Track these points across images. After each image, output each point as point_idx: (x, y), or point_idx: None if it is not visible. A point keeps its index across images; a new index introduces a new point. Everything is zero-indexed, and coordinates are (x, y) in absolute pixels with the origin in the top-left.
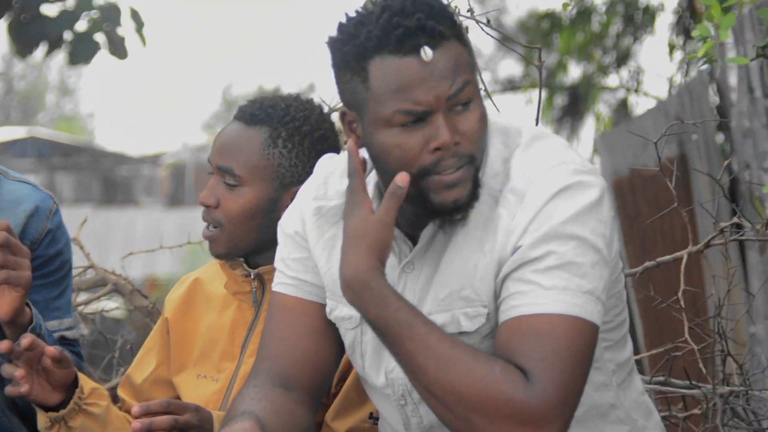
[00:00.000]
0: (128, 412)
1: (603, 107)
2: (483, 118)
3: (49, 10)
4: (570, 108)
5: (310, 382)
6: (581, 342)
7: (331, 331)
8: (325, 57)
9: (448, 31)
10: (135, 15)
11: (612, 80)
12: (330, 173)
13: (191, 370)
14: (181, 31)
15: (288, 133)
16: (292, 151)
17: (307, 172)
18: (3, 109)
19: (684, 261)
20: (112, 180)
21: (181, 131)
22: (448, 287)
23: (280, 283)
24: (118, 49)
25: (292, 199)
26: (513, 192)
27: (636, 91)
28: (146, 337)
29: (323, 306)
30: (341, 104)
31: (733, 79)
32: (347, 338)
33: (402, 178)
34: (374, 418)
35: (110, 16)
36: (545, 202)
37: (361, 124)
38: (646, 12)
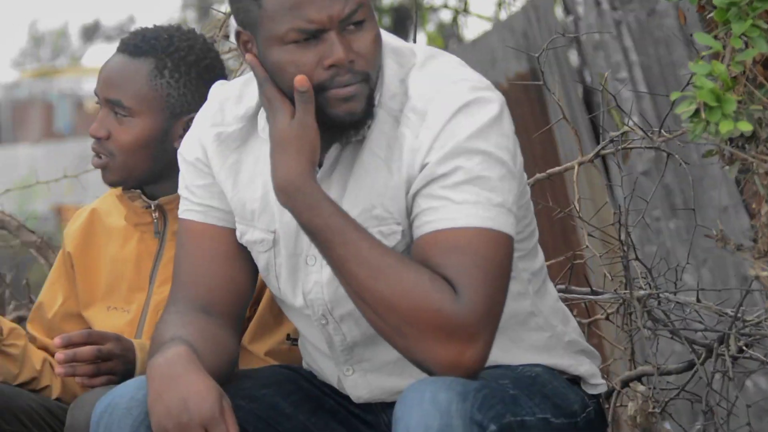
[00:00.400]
0: (43, 348)
1: (433, 28)
2: (377, 39)
3: None
4: (397, 29)
5: (229, 306)
6: (499, 254)
7: (244, 254)
8: None
9: None
10: None
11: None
12: (225, 99)
13: (100, 302)
14: None
15: (174, 64)
16: (180, 81)
17: (197, 101)
18: None
19: (576, 171)
20: None
21: None
22: (358, 207)
23: (186, 210)
24: None
25: (184, 129)
26: (414, 111)
27: (465, 11)
28: (32, 272)
29: (232, 231)
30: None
31: None
32: (260, 261)
33: (300, 81)
34: (292, 339)
35: None
36: (447, 120)
37: (255, 43)
38: None
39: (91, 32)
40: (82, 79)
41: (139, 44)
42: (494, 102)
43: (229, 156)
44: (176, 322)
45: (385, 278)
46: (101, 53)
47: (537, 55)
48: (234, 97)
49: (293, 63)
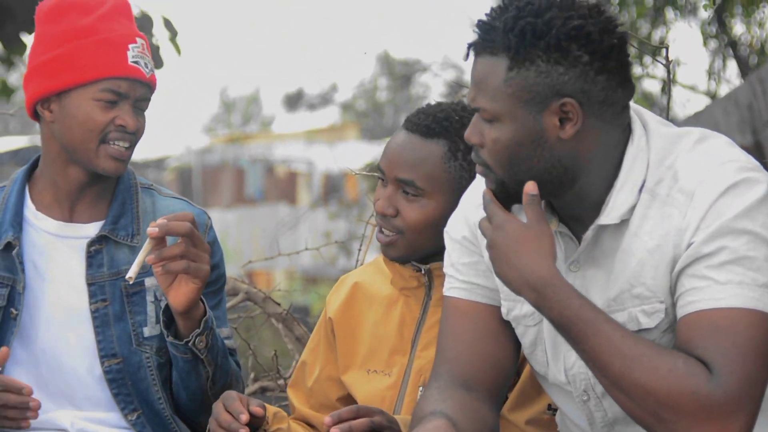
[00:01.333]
0: (301, 419)
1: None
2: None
3: None
4: None
5: (490, 382)
6: (761, 334)
7: (507, 332)
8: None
9: None
10: (168, 24)
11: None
12: None
13: (360, 366)
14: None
15: (466, 146)
16: (473, 164)
17: None
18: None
19: None
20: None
21: (182, 134)
22: (616, 287)
23: (452, 288)
24: (153, 58)
25: None
26: (682, 192)
27: (673, 81)
28: (279, 342)
29: (496, 308)
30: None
31: None
32: (528, 336)
33: (530, 187)
34: (553, 409)
35: (143, 26)
36: (714, 200)
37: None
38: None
39: (294, 100)
40: (272, 144)
41: (432, 126)
42: (762, 183)
43: None
44: (437, 397)
45: (639, 366)
46: (294, 120)
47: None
48: None
49: None
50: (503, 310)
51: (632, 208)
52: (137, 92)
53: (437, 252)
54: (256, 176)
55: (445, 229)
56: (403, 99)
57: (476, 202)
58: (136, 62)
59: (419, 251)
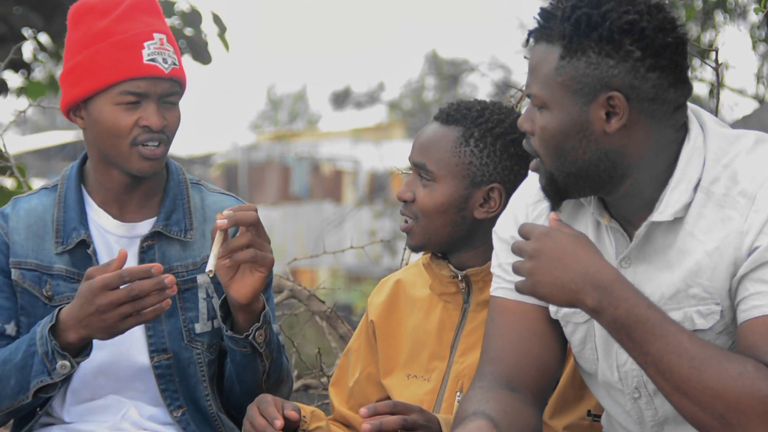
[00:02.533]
0: (340, 419)
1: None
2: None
3: None
4: None
5: (534, 383)
6: None
7: (554, 333)
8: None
9: None
10: (217, 19)
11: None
12: None
13: (400, 370)
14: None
15: (480, 133)
16: (483, 151)
17: (498, 172)
18: (49, 113)
19: None
20: None
21: (229, 131)
22: (673, 286)
23: (499, 288)
24: (201, 54)
25: (484, 198)
26: (743, 194)
27: (720, 84)
28: (322, 339)
29: (543, 309)
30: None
31: None
32: (577, 334)
33: (553, 218)
34: (593, 415)
35: (192, 21)
36: None
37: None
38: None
39: (341, 98)
40: (318, 142)
41: (452, 113)
42: None
43: None
44: (480, 398)
45: (708, 368)
46: (340, 119)
47: None
48: None
49: None
50: (552, 309)
51: (686, 206)
52: (159, 89)
53: (455, 246)
54: (301, 174)
55: (494, 229)
56: (449, 98)
57: (526, 202)
58: (152, 59)
59: (434, 240)
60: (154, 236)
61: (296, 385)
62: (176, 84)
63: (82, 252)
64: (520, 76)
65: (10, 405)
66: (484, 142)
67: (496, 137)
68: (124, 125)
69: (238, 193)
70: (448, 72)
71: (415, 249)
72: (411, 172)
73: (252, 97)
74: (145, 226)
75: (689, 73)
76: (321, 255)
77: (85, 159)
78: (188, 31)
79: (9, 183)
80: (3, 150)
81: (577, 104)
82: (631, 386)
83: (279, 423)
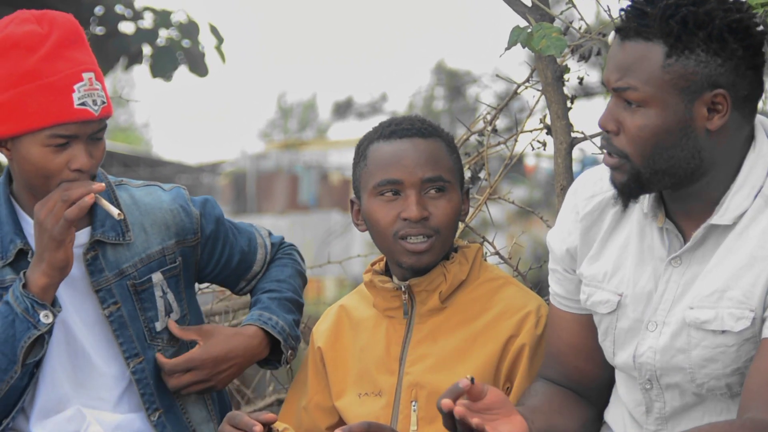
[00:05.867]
0: None
1: None
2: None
3: (127, 28)
4: None
5: (591, 379)
6: None
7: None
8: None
9: None
10: (214, 31)
11: None
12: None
13: (351, 391)
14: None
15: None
16: (467, 157)
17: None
18: None
19: None
20: None
21: (238, 139)
22: (712, 285)
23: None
24: (197, 66)
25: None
26: None
27: None
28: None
29: (572, 314)
30: None
31: None
32: (602, 325)
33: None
34: None
35: (189, 33)
36: None
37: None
38: None
39: (343, 109)
40: (327, 152)
41: (426, 127)
42: None
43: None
44: (541, 390)
45: None
46: (350, 128)
47: None
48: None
49: None
50: (582, 297)
51: (745, 212)
52: (88, 130)
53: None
54: (310, 183)
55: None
56: (459, 108)
57: (582, 196)
58: (83, 103)
59: (444, 251)
60: (95, 246)
61: (269, 400)
62: (103, 122)
63: (23, 262)
64: (522, 88)
65: None
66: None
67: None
68: (53, 167)
69: (246, 201)
70: (451, 84)
71: (429, 267)
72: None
73: (262, 106)
74: (83, 236)
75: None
76: (326, 265)
77: (10, 175)
78: (185, 43)
79: None
80: None
81: (682, 102)
82: (645, 377)
83: (258, 428)
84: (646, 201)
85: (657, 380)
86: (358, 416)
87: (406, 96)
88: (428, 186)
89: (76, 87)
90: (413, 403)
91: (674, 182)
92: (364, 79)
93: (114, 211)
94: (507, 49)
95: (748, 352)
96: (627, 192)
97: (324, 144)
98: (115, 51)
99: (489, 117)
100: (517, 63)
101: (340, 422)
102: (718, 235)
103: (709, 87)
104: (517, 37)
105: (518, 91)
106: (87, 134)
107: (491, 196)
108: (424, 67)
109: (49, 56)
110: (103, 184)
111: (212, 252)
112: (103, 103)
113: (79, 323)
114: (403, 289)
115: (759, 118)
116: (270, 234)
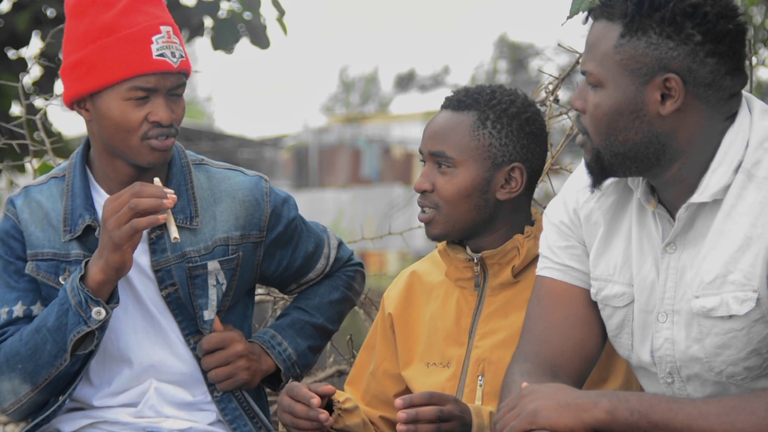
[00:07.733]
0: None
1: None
2: None
3: (188, 0)
4: None
5: (576, 369)
6: None
7: (596, 317)
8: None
9: None
10: (276, 3)
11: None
12: None
13: (419, 360)
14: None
15: (496, 115)
16: (501, 131)
17: (518, 151)
18: None
19: None
20: (234, 163)
21: (300, 113)
22: (713, 271)
23: (546, 268)
24: (259, 38)
25: (505, 178)
26: None
27: None
28: (358, 325)
29: (586, 291)
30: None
31: None
32: (615, 318)
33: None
34: None
35: (250, 5)
36: None
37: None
38: None
39: (405, 81)
40: (390, 125)
41: (463, 99)
42: None
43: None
44: (522, 381)
45: (737, 418)
46: (411, 101)
47: None
48: None
49: None
50: (592, 291)
51: (726, 188)
52: (168, 83)
53: (476, 231)
54: (372, 157)
55: (544, 212)
56: (521, 81)
57: (577, 187)
58: (161, 54)
59: (457, 227)
60: (162, 225)
61: (330, 371)
62: (183, 76)
63: (90, 237)
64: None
65: (48, 375)
66: (501, 123)
67: (512, 117)
68: (133, 121)
69: (308, 176)
70: (514, 57)
71: (437, 238)
72: (424, 162)
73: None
74: None
75: (756, 60)
76: (386, 236)
77: (88, 145)
78: (247, 15)
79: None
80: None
81: (633, 84)
82: (665, 371)
83: (315, 401)
84: (640, 187)
85: (678, 372)
86: (424, 386)
87: (469, 69)
88: (435, 159)
89: (154, 39)
90: (480, 377)
91: (640, 168)
92: (426, 52)
93: (173, 233)
94: (569, 17)
95: (759, 332)
96: (591, 172)
97: (386, 118)
98: (176, 23)
99: (551, 87)
100: (580, 35)
101: (407, 390)
102: (705, 215)
103: (661, 71)
104: (579, 5)
105: (580, 61)
106: (167, 88)
107: (553, 167)
108: (486, 39)
109: (126, 10)
110: (176, 197)
111: (274, 254)
112: (182, 56)
113: (148, 302)
114: (475, 260)
115: (747, 96)
116: (340, 245)
